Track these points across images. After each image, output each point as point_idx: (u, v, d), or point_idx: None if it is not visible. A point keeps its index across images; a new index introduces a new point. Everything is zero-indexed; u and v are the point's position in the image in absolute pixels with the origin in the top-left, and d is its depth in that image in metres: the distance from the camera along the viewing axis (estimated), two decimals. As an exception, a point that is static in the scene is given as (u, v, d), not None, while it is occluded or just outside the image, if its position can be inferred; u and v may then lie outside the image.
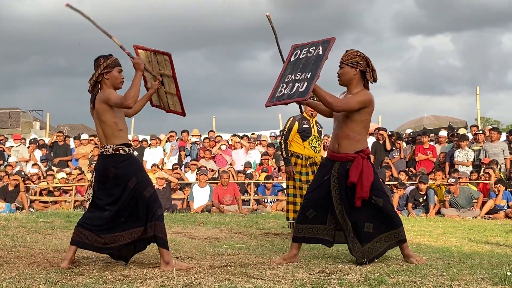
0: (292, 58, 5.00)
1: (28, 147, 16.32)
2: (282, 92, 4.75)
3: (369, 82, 4.99)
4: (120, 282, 4.04)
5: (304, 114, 7.17)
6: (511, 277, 4.01)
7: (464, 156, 13.07)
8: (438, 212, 11.68)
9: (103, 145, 4.78)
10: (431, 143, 14.28)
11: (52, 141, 16.31)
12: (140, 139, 16.04)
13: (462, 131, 14.79)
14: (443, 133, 14.74)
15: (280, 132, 16.06)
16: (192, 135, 16.27)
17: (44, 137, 20.11)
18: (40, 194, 13.98)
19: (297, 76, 4.76)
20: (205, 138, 15.88)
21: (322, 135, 7.39)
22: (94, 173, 4.85)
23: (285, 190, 7.03)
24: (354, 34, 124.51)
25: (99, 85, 4.80)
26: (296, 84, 4.70)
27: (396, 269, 4.46)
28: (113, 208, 4.71)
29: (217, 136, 16.36)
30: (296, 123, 7.10)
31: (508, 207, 11.36)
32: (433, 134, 15.87)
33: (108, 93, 4.71)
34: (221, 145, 15.17)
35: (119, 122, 4.77)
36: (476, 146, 13.35)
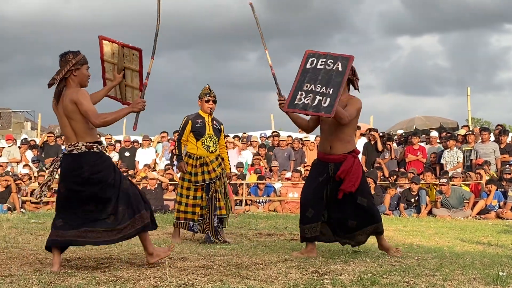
0: (308, 66, 5.19)
1: (20, 148, 16.23)
2: (302, 101, 4.99)
3: (350, 88, 5.48)
4: (113, 283, 4.02)
5: (200, 112, 7.11)
6: (503, 277, 4.03)
7: (452, 157, 13.13)
8: (430, 213, 11.72)
9: (73, 143, 4.64)
10: (422, 143, 14.33)
11: (43, 142, 16.23)
12: (132, 140, 16.00)
13: (462, 131, 14.78)
14: (434, 133, 14.79)
15: (272, 132, 16.16)
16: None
17: (35, 137, 20.00)
18: (32, 195, 13.91)
19: (317, 88, 5.02)
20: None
21: (223, 133, 7.27)
22: (57, 172, 4.72)
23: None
24: (341, 34, 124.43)
25: (65, 81, 4.71)
26: (317, 97, 4.97)
27: (389, 269, 4.47)
28: (95, 207, 4.63)
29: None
30: (190, 123, 7.00)
31: (499, 207, 11.42)
32: (424, 135, 15.92)
33: (82, 97, 4.58)
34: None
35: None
36: (467, 147, 13.40)
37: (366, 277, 4.10)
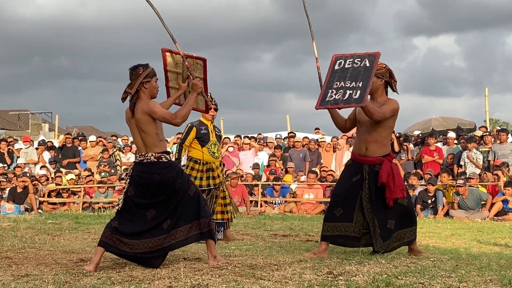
0: (336, 67, 5.32)
1: (37, 149, 16.37)
2: (333, 97, 5.10)
3: (388, 90, 5.50)
4: (128, 283, 4.05)
5: (202, 119, 7.27)
6: (520, 279, 3.99)
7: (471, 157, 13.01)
8: (447, 214, 11.63)
9: (143, 153, 4.85)
10: (439, 144, 14.22)
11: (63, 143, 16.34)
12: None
13: (478, 133, 14.67)
14: (452, 134, 14.68)
15: (288, 133, 16.16)
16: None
17: (53, 139, 20.15)
18: (49, 196, 14.03)
19: (347, 84, 5.12)
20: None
21: (222, 139, 7.46)
22: (129, 180, 4.90)
23: None
24: (357, 35, 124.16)
25: (136, 93, 4.86)
26: (348, 91, 5.07)
27: (404, 270, 4.45)
28: (156, 212, 4.85)
29: (225, 137, 16.35)
30: (194, 129, 7.14)
31: (517, 208, 11.30)
32: (441, 136, 15.80)
33: (153, 106, 4.80)
34: (229, 147, 15.17)
35: (160, 132, 4.89)
36: (484, 148, 13.28)
37: (381, 278, 4.08)
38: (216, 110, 7.30)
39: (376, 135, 5.37)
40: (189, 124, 7.24)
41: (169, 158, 4.92)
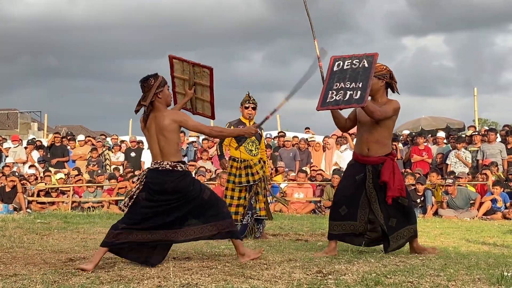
0: (335, 68, 5.38)
1: (26, 148, 16.28)
2: (334, 98, 5.15)
3: (388, 91, 5.57)
4: (116, 283, 4.03)
5: (242, 118, 7.52)
6: (508, 278, 4.02)
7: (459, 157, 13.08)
8: (436, 213, 11.68)
9: (159, 161, 4.89)
10: (429, 144, 14.27)
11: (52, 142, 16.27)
12: (138, 140, 15.98)
13: (469, 133, 14.74)
14: (441, 134, 14.74)
15: (278, 133, 16.15)
16: (190, 135, 16.27)
17: (42, 138, 20.05)
18: (38, 195, 13.95)
19: (347, 85, 5.18)
20: (203, 139, 15.87)
21: (263, 137, 7.75)
22: (141, 186, 4.91)
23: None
24: (346, 34, 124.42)
25: (151, 104, 4.90)
26: (348, 92, 5.13)
27: (393, 269, 4.46)
28: (166, 216, 4.87)
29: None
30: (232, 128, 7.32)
31: (506, 207, 11.37)
32: (430, 135, 15.87)
33: (184, 116, 4.93)
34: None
35: (179, 142, 4.97)
36: (473, 147, 13.35)
37: (370, 277, 4.09)
38: (254, 108, 7.51)
39: (377, 135, 5.43)
40: (228, 123, 7.53)
41: (183, 167, 4.96)
